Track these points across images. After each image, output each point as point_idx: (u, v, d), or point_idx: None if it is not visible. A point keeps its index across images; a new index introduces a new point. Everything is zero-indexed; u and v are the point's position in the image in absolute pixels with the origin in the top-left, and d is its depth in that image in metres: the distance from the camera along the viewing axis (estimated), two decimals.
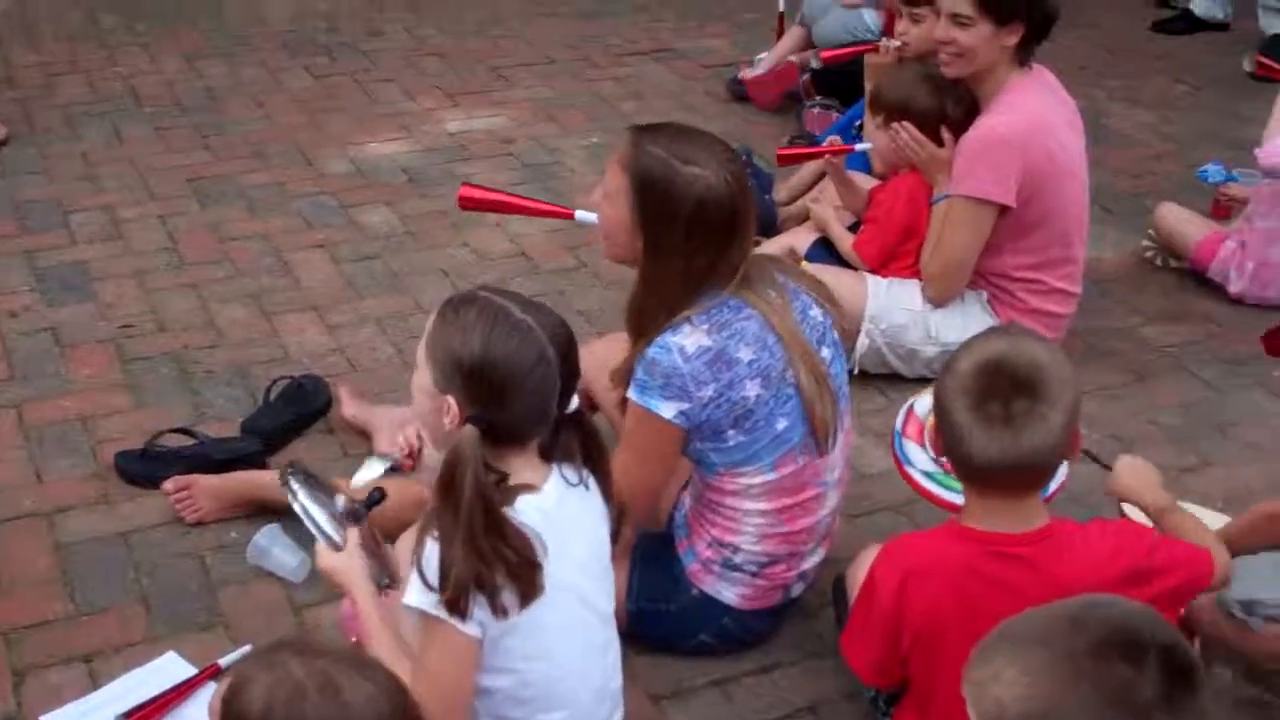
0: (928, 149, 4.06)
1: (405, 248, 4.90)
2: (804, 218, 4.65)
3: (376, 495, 2.65)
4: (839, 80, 5.52)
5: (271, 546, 3.30)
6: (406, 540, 2.56)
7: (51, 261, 4.70)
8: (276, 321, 4.39)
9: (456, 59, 6.73)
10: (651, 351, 2.81)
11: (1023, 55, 3.93)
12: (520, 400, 2.35)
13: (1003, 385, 2.34)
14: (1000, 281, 4.09)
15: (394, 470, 3.55)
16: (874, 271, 4.15)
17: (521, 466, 2.41)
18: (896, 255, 4.16)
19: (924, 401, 2.94)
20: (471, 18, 7.31)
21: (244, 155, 5.58)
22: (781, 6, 6.37)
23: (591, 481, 2.52)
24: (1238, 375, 4.27)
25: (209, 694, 2.87)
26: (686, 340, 2.79)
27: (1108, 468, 2.88)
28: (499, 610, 2.31)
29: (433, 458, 3.25)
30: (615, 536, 2.61)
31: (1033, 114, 3.92)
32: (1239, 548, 2.82)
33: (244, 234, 4.94)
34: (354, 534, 2.56)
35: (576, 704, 2.52)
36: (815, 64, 5.87)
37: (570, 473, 2.48)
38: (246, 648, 3.03)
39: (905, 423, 3.04)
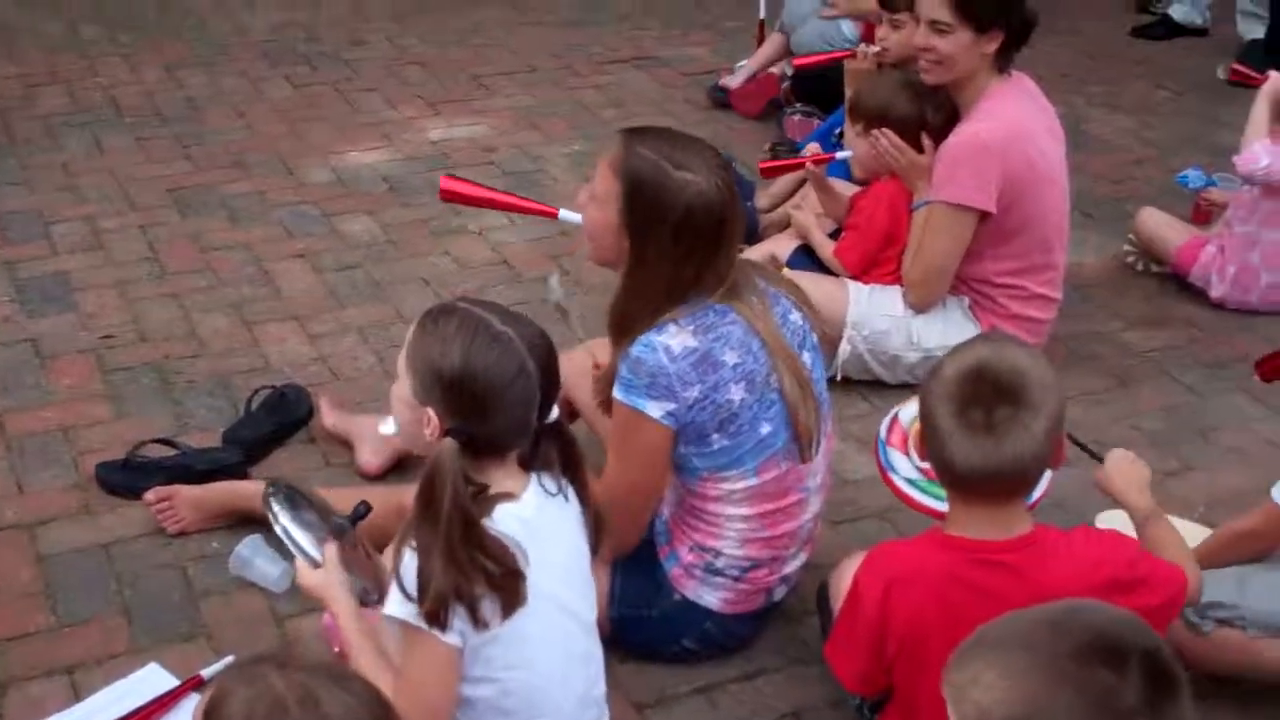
0: (908, 155, 4.06)
1: (387, 257, 4.89)
2: (785, 225, 4.66)
3: (362, 509, 2.65)
4: (819, 87, 5.54)
5: (254, 557, 3.29)
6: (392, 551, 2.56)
7: (32, 272, 4.69)
8: (258, 331, 4.38)
9: (438, 68, 6.73)
10: (636, 350, 2.79)
11: (1002, 62, 3.94)
12: (501, 412, 2.35)
13: (985, 392, 2.34)
14: (981, 287, 4.10)
15: None
16: (855, 278, 4.15)
17: (501, 477, 2.41)
18: (878, 262, 4.17)
19: (909, 409, 2.94)
20: (453, 26, 7.31)
21: (225, 165, 5.57)
22: (762, 14, 6.39)
23: (570, 491, 2.52)
24: (1219, 380, 4.29)
25: (192, 705, 2.85)
26: (672, 340, 2.78)
27: (1099, 459, 2.88)
28: (479, 622, 2.31)
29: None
30: (595, 547, 2.61)
31: (1013, 121, 3.93)
32: (1209, 566, 2.83)
33: (225, 244, 4.93)
34: (331, 550, 2.56)
35: (559, 713, 2.52)
36: (790, 71, 5.89)
37: (549, 482, 2.48)
38: (229, 659, 3.01)
39: (889, 430, 3.03)
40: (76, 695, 2.99)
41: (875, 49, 4.66)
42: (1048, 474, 2.57)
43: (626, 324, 2.85)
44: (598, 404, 2.98)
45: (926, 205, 4.01)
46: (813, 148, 4.48)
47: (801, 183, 4.80)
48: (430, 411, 2.35)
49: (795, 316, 2.96)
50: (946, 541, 2.46)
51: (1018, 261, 4.05)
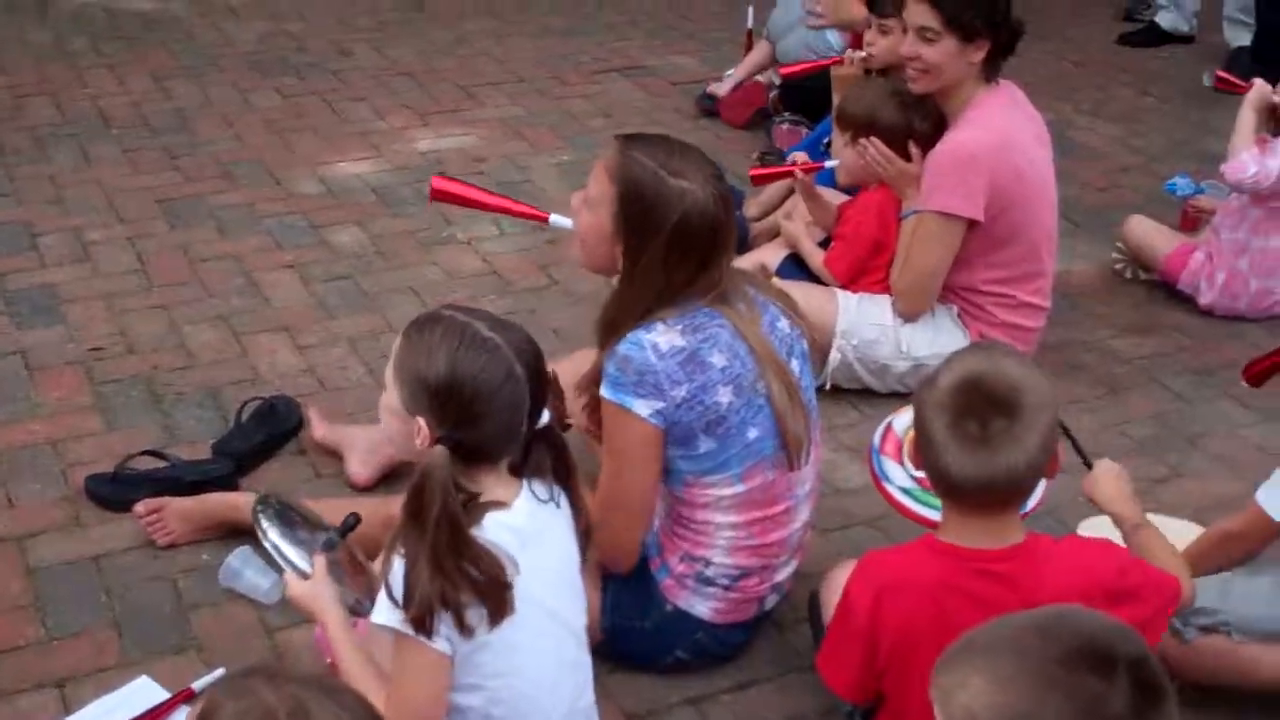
0: (896, 164, 4.07)
1: (376, 267, 4.89)
2: (775, 234, 4.66)
3: (351, 520, 2.65)
4: (807, 96, 5.55)
5: (244, 569, 3.28)
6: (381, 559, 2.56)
7: (20, 284, 4.67)
8: (247, 342, 4.38)
9: (426, 78, 6.73)
10: (623, 348, 2.79)
11: (989, 70, 3.94)
12: (490, 419, 2.34)
13: (980, 404, 2.34)
14: (970, 295, 4.10)
15: None
16: (844, 287, 4.16)
17: (493, 484, 2.41)
18: (866, 270, 4.17)
19: (902, 418, 2.95)
20: (441, 37, 7.31)
21: (213, 176, 5.56)
22: (750, 23, 6.40)
23: (562, 498, 2.52)
24: (1208, 386, 4.30)
25: (182, 718, 2.86)
26: (660, 338, 2.78)
27: (1089, 464, 2.88)
28: (466, 629, 2.30)
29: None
30: (583, 554, 2.60)
31: (1000, 129, 3.93)
32: (1198, 570, 2.83)
33: (214, 255, 4.93)
34: (320, 561, 2.56)
35: None
36: (777, 80, 5.90)
37: (541, 489, 2.48)
38: (219, 671, 3.01)
39: (883, 439, 3.04)
40: (67, 708, 2.98)
41: (862, 54, 4.67)
42: (1043, 483, 2.58)
43: (615, 331, 2.84)
44: (582, 406, 2.96)
45: (915, 214, 4.01)
46: (800, 156, 4.47)
47: (791, 192, 4.80)
48: (420, 421, 2.35)
49: (784, 324, 2.96)
50: (940, 549, 2.46)
51: (1006, 270, 4.06)
